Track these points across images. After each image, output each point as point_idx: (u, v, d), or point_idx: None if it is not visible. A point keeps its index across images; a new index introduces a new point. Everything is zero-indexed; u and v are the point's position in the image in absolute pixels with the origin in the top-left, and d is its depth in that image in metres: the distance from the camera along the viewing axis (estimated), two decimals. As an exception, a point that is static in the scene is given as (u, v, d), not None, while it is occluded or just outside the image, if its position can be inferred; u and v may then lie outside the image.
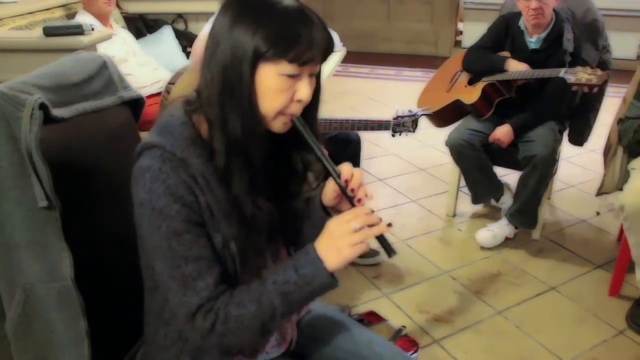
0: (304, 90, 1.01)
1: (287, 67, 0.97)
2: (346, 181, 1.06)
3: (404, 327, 2.11)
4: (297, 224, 1.19)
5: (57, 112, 1.12)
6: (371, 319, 2.15)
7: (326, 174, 1.09)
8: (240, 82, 0.97)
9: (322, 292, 1.01)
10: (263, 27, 0.95)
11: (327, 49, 1.00)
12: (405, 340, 2.02)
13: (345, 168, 1.07)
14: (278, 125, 1.04)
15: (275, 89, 0.98)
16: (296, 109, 1.03)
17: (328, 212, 1.15)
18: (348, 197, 1.05)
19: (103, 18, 3.02)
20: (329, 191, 1.12)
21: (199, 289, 0.99)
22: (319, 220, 1.13)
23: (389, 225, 1.01)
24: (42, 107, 1.06)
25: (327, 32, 0.99)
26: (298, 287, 0.99)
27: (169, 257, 0.98)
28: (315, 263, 0.99)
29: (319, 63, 1.02)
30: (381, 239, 1.01)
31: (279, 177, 1.12)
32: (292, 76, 0.98)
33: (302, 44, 0.95)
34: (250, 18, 0.96)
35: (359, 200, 1.05)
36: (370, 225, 0.99)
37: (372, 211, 1.01)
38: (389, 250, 1.02)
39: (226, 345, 1.02)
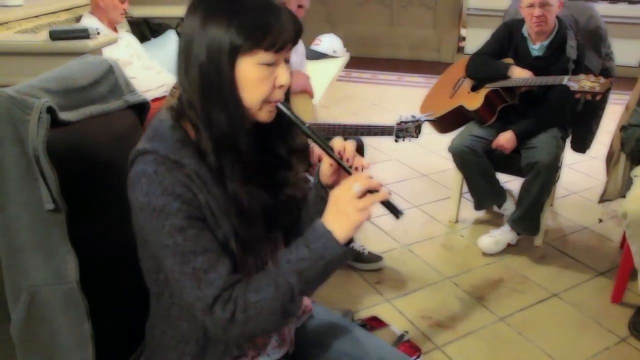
0: (283, 76, 1.04)
1: (264, 56, 1.00)
2: (339, 153, 1.08)
3: (407, 332, 2.12)
4: (293, 213, 1.20)
5: (64, 115, 1.13)
6: (374, 324, 2.15)
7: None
8: (221, 78, 0.99)
9: (336, 264, 1.02)
10: (235, 22, 0.97)
11: (298, 32, 1.04)
12: (408, 346, 2.03)
13: (337, 142, 1.09)
14: (264, 115, 1.06)
15: (256, 79, 1.01)
16: (279, 95, 1.05)
17: (327, 193, 1.15)
18: (344, 168, 1.08)
19: (110, 23, 3.04)
20: (325, 168, 1.13)
21: (211, 280, 0.99)
22: (321, 201, 1.14)
23: (389, 194, 1.03)
24: (50, 110, 1.07)
25: (293, 16, 1.03)
26: (312, 263, 1.00)
27: (177, 254, 0.99)
28: (325, 235, 1.00)
29: (291, 47, 1.05)
30: (386, 203, 1.03)
31: (266, 169, 1.13)
32: (269, 64, 1.01)
33: (275, 30, 0.99)
34: (220, 15, 0.98)
35: (356, 169, 1.07)
36: (373, 191, 1.01)
37: (371, 177, 1.03)
38: (396, 212, 1.04)
39: (248, 333, 1.02)
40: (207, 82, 1.00)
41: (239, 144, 1.02)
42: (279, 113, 1.07)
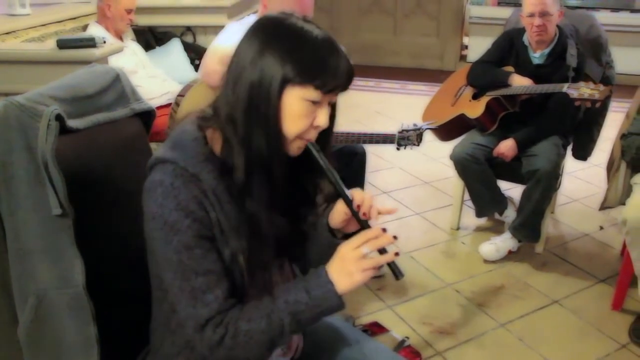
0: (323, 117, 1.05)
1: (312, 93, 1.00)
2: (358, 206, 1.10)
3: (407, 338, 2.13)
4: (303, 243, 1.23)
5: (72, 123, 1.15)
6: (375, 329, 2.17)
7: (336, 197, 1.13)
8: (268, 102, 1.00)
9: (330, 313, 1.05)
10: (294, 53, 0.99)
11: (349, 80, 1.04)
12: (409, 351, 2.04)
13: (357, 194, 1.11)
14: (293, 149, 1.07)
15: (298, 113, 1.02)
16: (313, 134, 1.06)
17: (334, 234, 1.19)
18: (360, 222, 1.09)
19: (116, 32, 3.09)
20: (338, 214, 1.15)
21: (207, 301, 1.01)
22: (326, 241, 1.18)
23: (397, 254, 1.05)
24: (58, 118, 1.10)
25: (350, 64, 1.04)
26: (308, 308, 1.03)
27: (179, 270, 1.01)
28: (326, 286, 1.03)
29: (339, 93, 1.06)
30: (390, 263, 1.06)
31: (290, 200, 1.15)
32: (314, 102, 1.02)
33: (330, 72, 1.00)
34: (282, 44, 0.99)
35: (369, 226, 1.09)
36: (380, 251, 1.04)
37: (384, 229, 1.05)
38: (397, 274, 1.06)
39: (233, 358, 1.05)
40: (254, 104, 1.00)
41: (273, 169, 1.03)
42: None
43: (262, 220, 1.05)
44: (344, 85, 1.05)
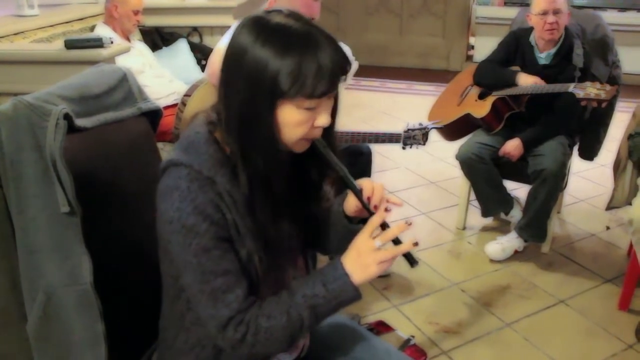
0: (323, 118, 1.03)
1: (306, 102, 0.98)
2: (368, 198, 1.10)
3: (413, 337, 2.13)
4: (315, 231, 1.23)
5: (80, 122, 1.16)
6: (380, 328, 2.17)
7: (345, 187, 1.13)
8: (259, 121, 0.99)
9: (348, 304, 1.06)
10: (279, 66, 0.95)
11: (344, 70, 1.01)
12: (414, 350, 2.05)
13: (367, 184, 1.11)
14: (299, 148, 1.07)
15: (295, 122, 1.00)
16: (317, 133, 1.05)
17: (350, 220, 1.19)
18: (371, 214, 1.09)
19: (123, 32, 3.11)
20: (351, 205, 1.16)
21: (228, 301, 1.02)
22: (343, 229, 1.18)
23: (416, 244, 1.05)
24: (67, 117, 1.11)
25: (340, 53, 0.99)
26: (326, 301, 1.04)
27: (198, 272, 1.02)
28: (342, 278, 1.04)
29: (337, 86, 1.03)
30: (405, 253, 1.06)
31: (296, 189, 1.15)
32: (311, 108, 1.00)
33: (319, 78, 0.96)
34: (266, 53, 0.95)
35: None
36: (395, 242, 1.04)
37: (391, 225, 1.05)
38: (412, 261, 1.06)
39: (255, 353, 1.07)
40: (245, 122, 1.00)
41: (272, 182, 1.03)
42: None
43: (269, 229, 1.06)
44: (339, 80, 1.00)
